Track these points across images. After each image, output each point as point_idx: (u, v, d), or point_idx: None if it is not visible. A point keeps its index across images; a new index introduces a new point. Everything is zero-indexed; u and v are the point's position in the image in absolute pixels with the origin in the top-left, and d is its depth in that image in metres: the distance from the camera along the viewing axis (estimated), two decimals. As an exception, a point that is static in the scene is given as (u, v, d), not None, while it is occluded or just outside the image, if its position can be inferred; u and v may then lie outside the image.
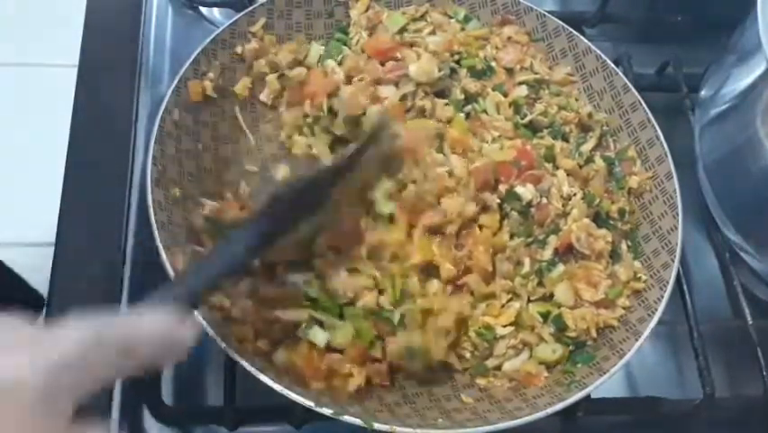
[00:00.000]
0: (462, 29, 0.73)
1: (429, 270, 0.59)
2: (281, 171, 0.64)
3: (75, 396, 0.33)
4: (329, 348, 0.55)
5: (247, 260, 0.50)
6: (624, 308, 0.61)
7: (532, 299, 0.61)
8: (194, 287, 0.44)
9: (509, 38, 0.73)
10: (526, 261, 0.61)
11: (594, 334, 0.60)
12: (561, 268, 0.61)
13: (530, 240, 0.61)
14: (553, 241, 0.61)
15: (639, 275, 0.63)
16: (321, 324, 0.55)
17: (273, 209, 0.51)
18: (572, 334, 0.59)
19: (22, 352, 0.32)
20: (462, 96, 0.67)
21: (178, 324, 0.39)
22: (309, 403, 0.50)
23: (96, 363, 0.34)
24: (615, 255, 0.64)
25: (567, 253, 0.62)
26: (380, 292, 0.57)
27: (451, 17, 0.74)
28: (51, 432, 0.31)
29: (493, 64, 0.71)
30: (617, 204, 0.65)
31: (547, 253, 0.61)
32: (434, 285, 0.58)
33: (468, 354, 0.59)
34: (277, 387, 0.50)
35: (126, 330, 0.36)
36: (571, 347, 0.60)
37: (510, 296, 0.60)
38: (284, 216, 0.52)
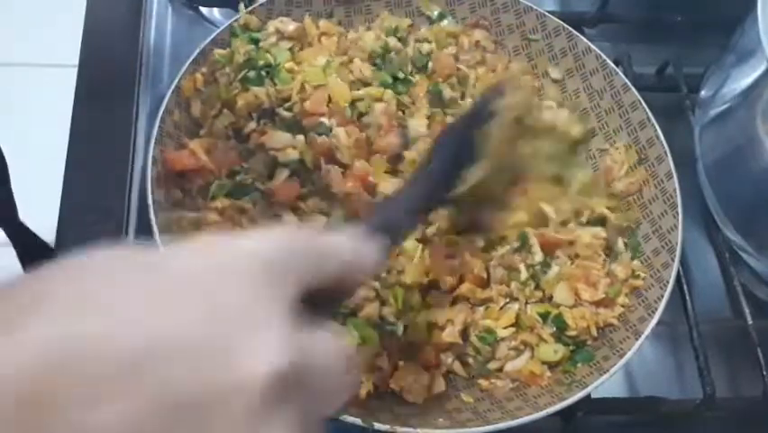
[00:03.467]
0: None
1: (429, 282, 0.59)
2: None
3: (292, 289, 0.31)
4: None
5: (432, 202, 0.50)
6: (623, 306, 0.61)
7: (530, 302, 0.61)
8: (391, 219, 0.44)
9: (477, 42, 0.73)
10: (522, 267, 0.61)
11: (594, 333, 0.60)
12: (555, 269, 0.61)
13: (517, 245, 0.61)
14: (535, 242, 0.61)
15: (637, 273, 0.63)
16: None
17: (442, 150, 0.52)
18: (573, 333, 0.59)
19: (247, 237, 0.32)
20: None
21: (365, 243, 0.38)
22: (309, 403, 0.50)
23: (301, 259, 0.32)
24: (612, 253, 0.64)
25: (552, 250, 0.62)
26: (382, 303, 0.57)
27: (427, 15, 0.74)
28: (276, 315, 0.29)
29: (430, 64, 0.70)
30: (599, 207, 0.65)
31: (537, 257, 0.61)
32: (435, 297, 0.59)
33: (471, 360, 0.59)
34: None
35: (326, 238, 0.36)
36: (571, 347, 0.60)
37: (507, 299, 0.60)
38: (453, 155, 0.52)
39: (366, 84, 0.66)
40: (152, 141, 0.59)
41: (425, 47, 0.71)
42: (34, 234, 0.84)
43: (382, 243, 0.39)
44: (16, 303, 0.26)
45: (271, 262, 0.30)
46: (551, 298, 0.61)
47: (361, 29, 0.71)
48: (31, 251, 0.84)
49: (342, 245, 0.36)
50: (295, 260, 0.32)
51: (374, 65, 0.68)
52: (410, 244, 0.59)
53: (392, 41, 0.69)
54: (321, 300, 0.33)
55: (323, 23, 0.70)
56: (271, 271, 0.30)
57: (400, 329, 0.56)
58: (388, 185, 0.61)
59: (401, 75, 0.68)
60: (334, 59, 0.67)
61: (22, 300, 0.26)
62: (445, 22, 0.73)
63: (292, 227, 0.35)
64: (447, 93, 0.68)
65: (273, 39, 0.67)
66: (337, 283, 0.35)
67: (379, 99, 0.65)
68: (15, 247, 0.83)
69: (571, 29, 0.72)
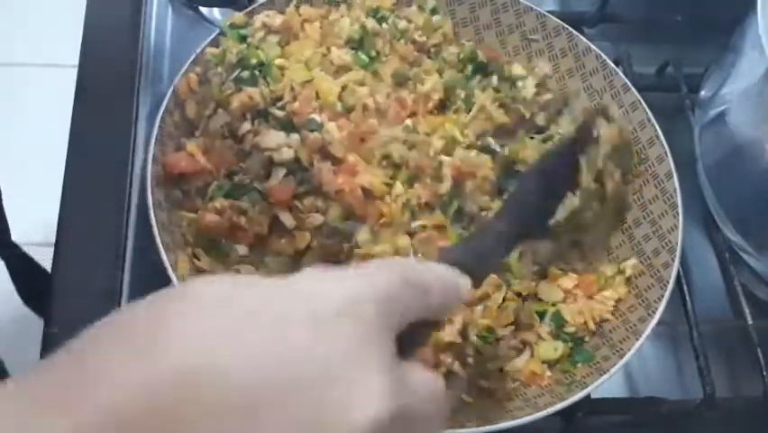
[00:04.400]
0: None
1: None
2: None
3: (395, 329, 0.33)
4: None
5: (506, 245, 0.48)
6: (615, 301, 0.62)
7: (523, 293, 0.61)
8: (477, 253, 0.44)
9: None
10: None
11: (592, 326, 0.60)
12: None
13: None
14: None
15: (623, 265, 0.63)
16: None
17: (522, 192, 0.51)
18: (571, 330, 0.59)
19: (353, 279, 0.32)
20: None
21: (456, 277, 0.39)
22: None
23: (406, 297, 0.34)
24: None
25: None
26: None
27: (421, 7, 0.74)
28: (382, 360, 0.31)
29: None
30: None
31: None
32: None
33: (470, 360, 0.59)
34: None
35: (425, 271, 0.37)
36: (570, 344, 0.60)
37: (504, 293, 0.61)
38: (535, 197, 0.50)
39: (348, 69, 0.67)
40: (152, 141, 0.59)
41: (402, 24, 0.71)
42: (27, 256, 0.84)
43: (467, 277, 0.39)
44: (142, 333, 0.28)
45: (380, 306, 0.31)
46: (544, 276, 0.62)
47: (342, 8, 0.71)
48: (24, 271, 0.84)
49: (440, 279, 0.37)
50: (400, 301, 0.33)
51: (353, 49, 0.68)
52: (404, 240, 0.60)
53: (370, 23, 0.69)
54: (413, 330, 0.34)
55: (303, 9, 0.70)
56: (380, 314, 0.31)
57: None
58: (376, 179, 0.61)
59: (373, 54, 0.68)
60: (315, 53, 0.67)
61: (147, 331, 0.28)
62: (437, 17, 0.73)
63: (391, 263, 0.37)
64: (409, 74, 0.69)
65: (261, 34, 0.67)
66: (431, 316, 0.36)
67: (361, 83, 0.66)
68: (8, 267, 0.83)
69: (571, 29, 0.72)
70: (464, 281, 0.39)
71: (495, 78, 0.71)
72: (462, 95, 0.69)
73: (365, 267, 0.34)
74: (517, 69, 0.72)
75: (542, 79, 0.72)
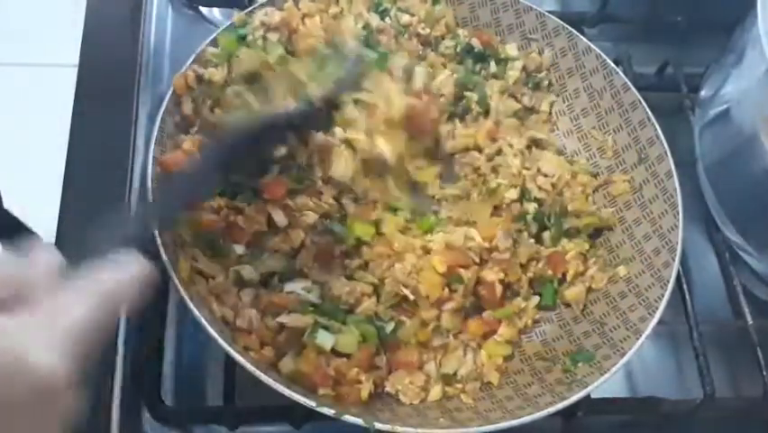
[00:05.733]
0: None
1: None
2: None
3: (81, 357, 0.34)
4: (336, 353, 0.55)
5: (205, 186, 0.55)
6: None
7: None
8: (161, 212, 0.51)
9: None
10: None
11: None
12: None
13: None
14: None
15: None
16: (326, 328, 0.55)
17: (222, 148, 0.56)
18: None
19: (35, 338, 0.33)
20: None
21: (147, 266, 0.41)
22: (310, 403, 0.50)
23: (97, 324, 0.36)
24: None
25: None
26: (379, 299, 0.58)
27: None
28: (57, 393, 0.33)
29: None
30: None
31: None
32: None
33: None
34: (277, 387, 0.50)
35: (113, 285, 0.39)
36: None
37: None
38: (233, 153, 0.56)
39: None
40: (152, 141, 0.59)
41: (405, 18, 0.71)
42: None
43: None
44: None
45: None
46: None
47: (342, 1, 0.71)
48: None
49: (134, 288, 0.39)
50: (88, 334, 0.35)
51: None
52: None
53: (374, 21, 0.69)
54: None
55: (303, 3, 0.69)
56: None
57: (390, 327, 0.57)
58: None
59: (381, 50, 0.68)
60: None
61: None
62: (439, 7, 0.73)
63: None
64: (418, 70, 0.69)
65: (260, 32, 0.67)
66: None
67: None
68: None
69: (570, 29, 0.72)
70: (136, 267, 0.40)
71: (493, 64, 0.72)
72: (476, 97, 0.69)
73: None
74: (512, 51, 0.73)
75: (537, 65, 0.73)
